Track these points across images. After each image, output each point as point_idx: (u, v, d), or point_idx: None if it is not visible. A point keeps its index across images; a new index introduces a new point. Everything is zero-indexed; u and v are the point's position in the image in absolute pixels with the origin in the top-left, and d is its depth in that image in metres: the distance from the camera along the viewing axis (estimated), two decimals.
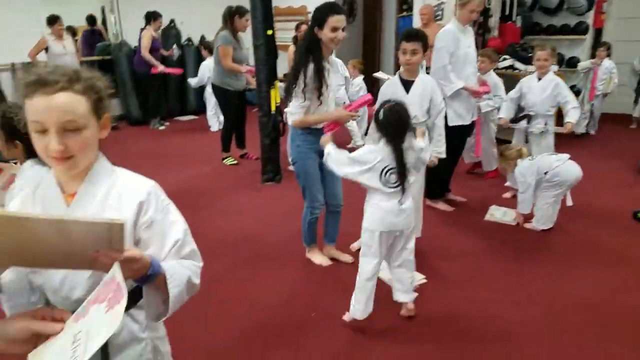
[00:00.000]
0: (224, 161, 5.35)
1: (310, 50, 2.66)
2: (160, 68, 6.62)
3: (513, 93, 4.10)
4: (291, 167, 4.99)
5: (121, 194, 1.09)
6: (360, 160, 2.30)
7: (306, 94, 2.67)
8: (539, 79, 3.95)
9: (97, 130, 1.06)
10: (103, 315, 0.86)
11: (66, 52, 6.00)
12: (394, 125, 2.24)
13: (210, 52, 6.45)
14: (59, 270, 1.07)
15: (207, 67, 6.29)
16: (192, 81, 6.71)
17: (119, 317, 0.82)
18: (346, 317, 2.51)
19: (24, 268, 1.10)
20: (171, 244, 1.11)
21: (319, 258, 3.17)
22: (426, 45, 2.91)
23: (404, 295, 2.51)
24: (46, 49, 5.96)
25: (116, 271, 0.90)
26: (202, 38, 7.26)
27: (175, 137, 6.62)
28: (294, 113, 2.77)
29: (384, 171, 2.27)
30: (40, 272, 1.10)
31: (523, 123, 4.08)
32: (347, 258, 3.17)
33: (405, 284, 2.51)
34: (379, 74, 5.37)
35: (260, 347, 2.36)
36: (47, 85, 0.97)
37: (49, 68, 1.01)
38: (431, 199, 3.98)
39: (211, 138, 6.14)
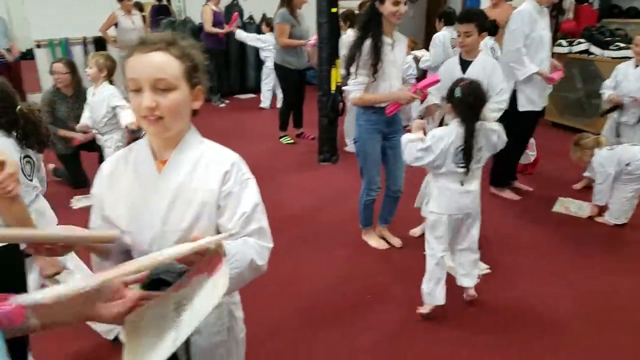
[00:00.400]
0: (281, 140, 5.37)
1: (369, 25, 2.62)
2: (224, 29, 6.63)
3: (609, 82, 3.83)
4: (346, 148, 5.00)
5: (208, 164, 1.12)
6: (433, 150, 2.24)
7: (364, 71, 2.64)
8: (637, 66, 3.66)
9: (189, 99, 1.10)
10: (206, 282, 0.87)
11: (135, 27, 6.18)
12: (471, 104, 2.19)
13: (271, 28, 6.48)
14: (147, 234, 1.12)
15: (267, 39, 6.42)
16: (242, 33, 6.65)
17: (225, 280, 0.84)
18: (422, 309, 2.44)
19: (118, 230, 1.17)
20: (239, 216, 1.11)
21: (375, 241, 3.14)
22: (483, 27, 2.80)
23: (467, 280, 2.47)
24: (116, 24, 6.17)
25: (218, 247, 0.93)
26: (264, 16, 7.27)
27: (235, 114, 6.72)
28: (352, 90, 2.74)
29: (456, 150, 2.22)
30: (131, 234, 1.14)
31: (615, 113, 3.79)
32: (396, 241, 3.13)
33: (467, 267, 2.46)
34: (415, 52, 5.24)
35: (315, 326, 2.38)
36: (145, 44, 1.04)
37: (152, 33, 1.07)
38: (496, 186, 3.85)
39: (269, 116, 6.19)
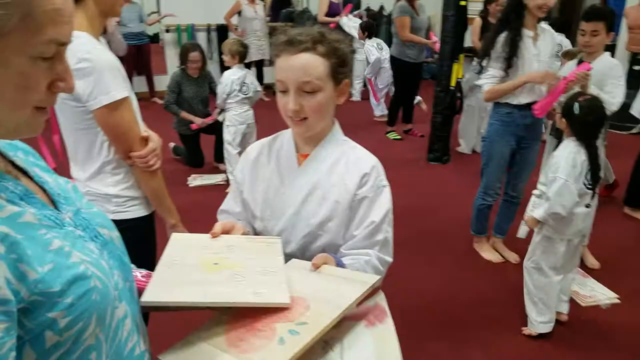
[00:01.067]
0: (388, 135, 5.25)
1: (509, 16, 2.48)
2: (337, 19, 6.55)
3: None
4: (459, 148, 4.73)
5: (348, 164, 1.11)
6: (577, 179, 2.01)
7: (496, 64, 2.51)
8: None
9: (334, 97, 1.08)
10: (362, 329, 0.84)
11: (257, 17, 6.38)
12: (592, 123, 2.01)
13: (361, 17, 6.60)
14: (278, 223, 1.12)
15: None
16: (344, 19, 6.59)
17: (390, 332, 0.84)
18: (527, 331, 2.26)
19: (247, 216, 1.19)
20: (367, 223, 1.08)
21: (488, 253, 2.92)
22: (611, 26, 2.50)
23: (566, 306, 2.30)
24: (239, 13, 6.40)
25: (380, 298, 0.92)
26: (381, 8, 7.16)
27: (340, 108, 6.70)
28: (483, 84, 2.60)
29: (585, 170, 2.03)
30: (262, 220, 1.15)
31: None
32: (512, 256, 2.88)
33: (567, 293, 2.29)
34: None
35: (421, 337, 2.26)
36: (292, 45, 1.02)
37: (299, 29, 1.05)
38: (632, 207, 3.43)
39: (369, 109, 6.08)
